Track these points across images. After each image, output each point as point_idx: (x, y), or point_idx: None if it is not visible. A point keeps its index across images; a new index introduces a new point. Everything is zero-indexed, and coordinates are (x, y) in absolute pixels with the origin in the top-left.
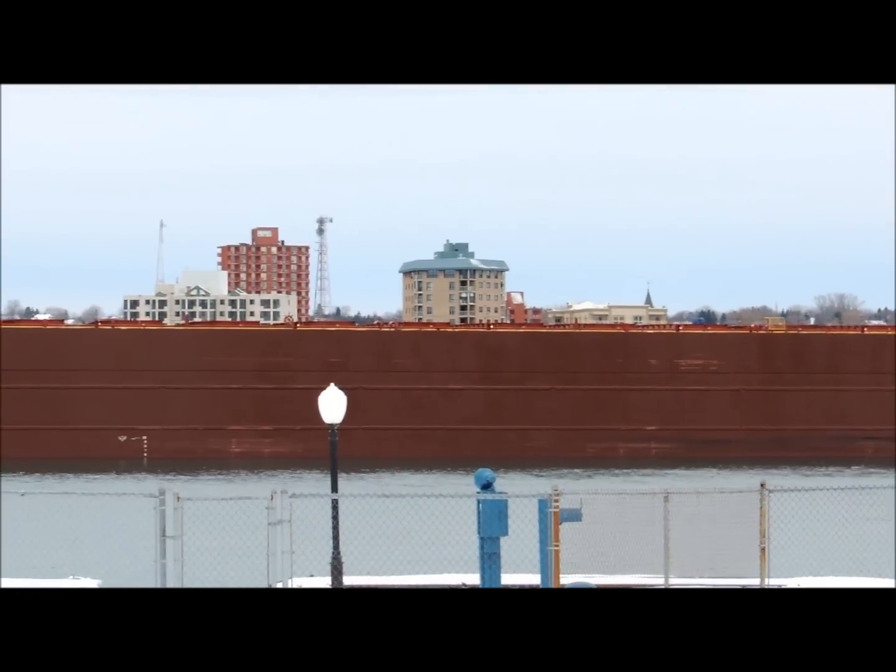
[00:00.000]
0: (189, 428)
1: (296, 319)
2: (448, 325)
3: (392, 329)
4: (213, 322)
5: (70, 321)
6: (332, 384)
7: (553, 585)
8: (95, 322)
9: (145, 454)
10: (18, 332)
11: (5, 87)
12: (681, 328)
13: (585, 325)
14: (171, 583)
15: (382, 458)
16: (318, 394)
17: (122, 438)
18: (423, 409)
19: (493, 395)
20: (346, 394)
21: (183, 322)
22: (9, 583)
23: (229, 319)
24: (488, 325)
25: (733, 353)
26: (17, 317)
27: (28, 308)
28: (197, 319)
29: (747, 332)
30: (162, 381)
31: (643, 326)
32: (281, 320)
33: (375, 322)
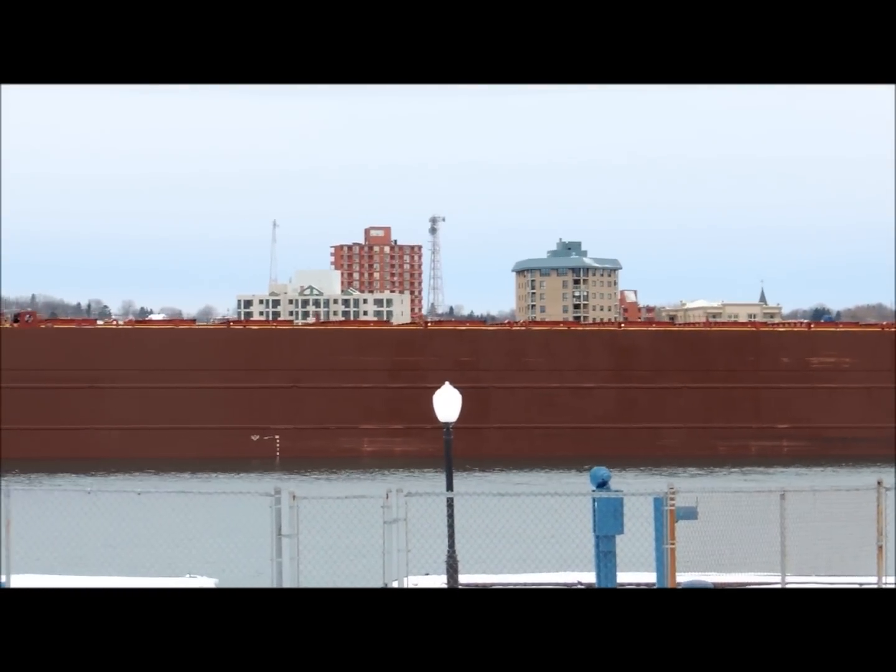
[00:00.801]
0: (321, 427)
1: (409, 319)
2: (578, 323)
3: (523, 328)
4: (345, 321)
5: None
6: (447, 382)
7: (669, 583)
8: (227, 322)
9: (278, 453)
10: (147, 332)
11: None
12: (812, 326)
13: (716, 324)
14: (287, 581)
15: (514, 458)
16: None
17: (255, 438)
18: (555, 407)
19: (625, 394)
20: (476, 393)
21: (314, 321)
22: (126, 582)
23: (342, 319)
24: (619, 323)
25: (866, 350)
26: (131, 317)
27: (142, 308)
28: (310, 319)
29: (879, 329)
30: (294, 380)
31: (774, 324)
32: (406, 319)
33: (506, 321)
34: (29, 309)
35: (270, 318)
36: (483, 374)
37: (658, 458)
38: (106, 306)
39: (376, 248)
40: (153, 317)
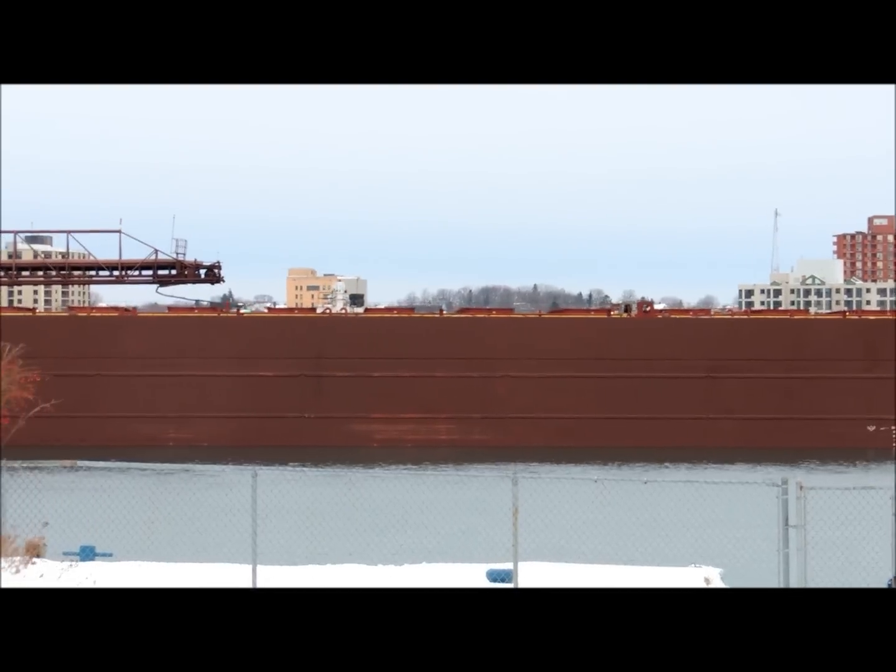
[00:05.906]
0: None
1: None
2: None
3: None
4: None
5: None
6: None
7: None
8: (844, 313)
9: (894, 444)
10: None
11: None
12: None
13: None
14: (794, 572)
15: None
16: None
17: (871, 428)
18: None
19: None
20: None
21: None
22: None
23: (845, 308)
24: None
25: None
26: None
27: (642, 297)
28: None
29: None
30: None
31: None
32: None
33: None
34: (646, 298)
35: (772, 307)
36: None
37: None
38: (607, 296)
39: (879, 237)
40: (656, 307)
